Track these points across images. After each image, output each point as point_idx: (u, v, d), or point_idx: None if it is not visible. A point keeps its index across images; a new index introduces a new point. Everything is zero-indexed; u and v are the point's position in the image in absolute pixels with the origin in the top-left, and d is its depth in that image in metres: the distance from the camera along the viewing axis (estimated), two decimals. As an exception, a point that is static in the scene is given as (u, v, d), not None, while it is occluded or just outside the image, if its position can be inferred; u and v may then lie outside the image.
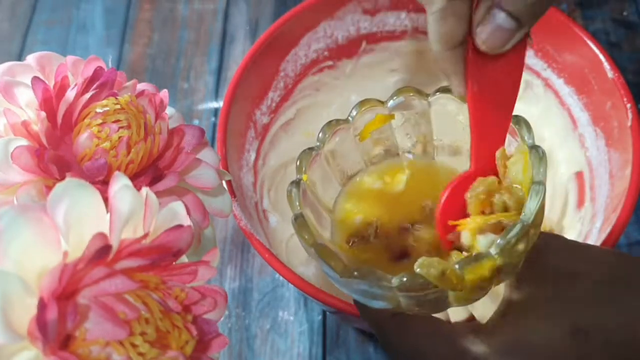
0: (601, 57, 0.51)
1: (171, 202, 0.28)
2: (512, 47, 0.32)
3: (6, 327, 0.22)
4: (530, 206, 0.31)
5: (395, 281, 0.30)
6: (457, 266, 0.29)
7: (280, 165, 0.59)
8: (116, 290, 0.24)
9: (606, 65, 0.51)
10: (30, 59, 0.34)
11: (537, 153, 0.33)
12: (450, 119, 0.38)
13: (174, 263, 0.27)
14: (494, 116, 0.34)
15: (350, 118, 0.38)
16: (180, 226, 0.27)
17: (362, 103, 0.38)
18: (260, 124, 0.58)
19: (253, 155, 0.57)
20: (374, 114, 0.38)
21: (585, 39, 0.52)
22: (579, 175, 0.55)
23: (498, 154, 0.34)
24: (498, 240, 0.30)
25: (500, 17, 0.31)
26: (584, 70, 0.53)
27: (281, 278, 0.53)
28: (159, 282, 0.26)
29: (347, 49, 0.61)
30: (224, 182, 0.37)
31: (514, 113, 0.35)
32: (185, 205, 0.28)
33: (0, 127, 0.32)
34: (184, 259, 0.28)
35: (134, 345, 0.24)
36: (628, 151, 0.48)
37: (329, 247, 0.33)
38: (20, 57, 0.73)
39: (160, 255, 0.26)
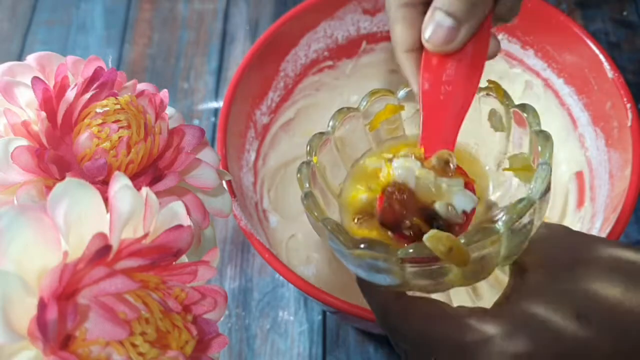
0: (601, 57, 0.51)
1: (171, 202, 0.28)
2: (461, 45, 0.34)
3: (6, 327, 0.22)
4: (537, 184, 0.32)
5: (401, 252, 0.30)
6: (463, 240, 0.30)
7: (280, 165, 0.60)
8: (116, 290, 0.24)
9: (606, 65, 0.51)
10: (30, 59, 0.34)
11: (544, 136, 0.33)
12: None
13: (174, 263, 0.27)
14: (445, 115, 0.35)
15: (360, 107, 0.38)
16: (180, 226, 0.27)
17: (373, 92, 0.38)
18: (260, 124, 0.58)
19: (253, 155, 0.57)
20: (384, 104, 0.39)
21: (585, 39, 0.52)
22: (579, 175, 0.55)
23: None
24: (503, 216, 0.31)
25: (439, 16, 0.33)
26: (584, 70, 0.53)
27: (281, 278, 0.53)
28: (159, 282, 0.26)
29: (347, 49, 0.61)
30: (224, 182, 0.37)
31: (523, 102, 0.36)
32: (185, 205, 0.28)
33: (0, 127, 0.32)
34: (184, 259, 0.28)
35: (134, 345, 0.24)
36: (628, 151, 0.48)
37: (336, 221, 0.33)
38: (20, 57, 0.73)
39: (160, 255, 0.26)
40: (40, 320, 0.22)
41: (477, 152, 0.39)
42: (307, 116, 0.62)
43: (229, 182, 0.48)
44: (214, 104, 0.69)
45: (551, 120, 0.57)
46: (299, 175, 0.36)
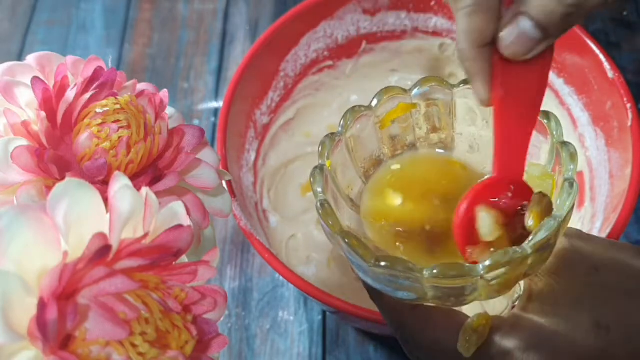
0: (601, 57, 0.51)
1: (171, 202, 0.28)
2: (538, 55, 0.31)
3: (6, 327, 0.22)
4: (563, 203, 0.31)
5: (427, 273, 0.30)
6: (489, 263, 0.29)
7: (280, 165, 0.60)
8: (116, 290, 0.24)
9: (606, 65, 0.51)
10: (30, 59, 0.34)
11: (567, 150, 0.33)
12: (473, 112, 0.38)
13: (174, 263, 0.27)
14: (518, 122, 0.33)
15: (372, 105, 0.37)
16: (180, 226, 0.27)
17: (385, 91, 0.37)
18: (260, 124, 0.58)
19: (253, 155, 0.57)
20: (396, 103, 0.38)
21: (585, 39, 0.52)
22: (579, 175, 0.55)
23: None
24: (531, 238, 0.30)
25: (526, 25, 0.30)
26: (584, 70, 0.53)
27: (281, 278, 0.53)
28: (159, 282, 0.26)
29: (347, 49, 0.61)
30: (224, 182, 0.37)
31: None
32: (185, 205, 0.28)
33: (0, 127, 0.32)
34: (184, 259, 0.28)
35: (134, 345, 0.24)
36: (628, 151, 0.48)
37: (356, 235, 0.32)
38: (20, 57, 0.73)
39: (160, 255, 0.26)
40: (40, 320, 0.22)
41: (472, 157, 0.39)
42: (307, 116, 0.62)
43: (229, 182, 0.48)
44: (214, 104, 0.69)
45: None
46: (312, 180, 0.34)
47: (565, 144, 0.33)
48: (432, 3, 0.59)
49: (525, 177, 0.34)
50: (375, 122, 0.38)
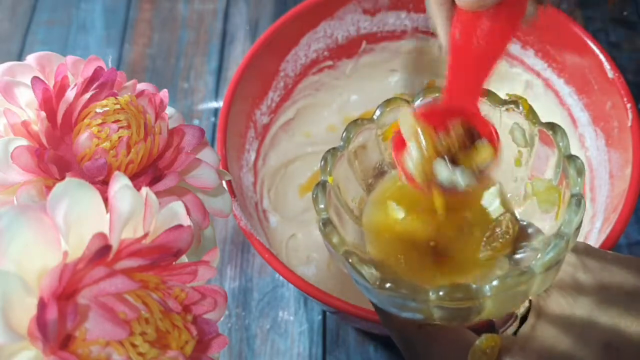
0: (601, 57, 0.51)
1: (171, 202, 0.28)
2: (491, 5, 0.33)
3: (6, 327, 0.22)
4: (571, 220, 0.30)
5: (432, 295, 0.29)
6: (496, 283, 0.29)
7: (280, 165, 0.60)
8: (116, 290, 0.24)
9: (606, 65, 0.51)
10: (30, 59, 0.34)
11: (574, 164, 0.32)
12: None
13: (174, 263, 0.27)
14: (472, 65, 0.35)
15: (374, 117, 0.37)
16: (180, 226, 0.27)
17: (388, 102, 0.37)
18: (260, 124, 0.58)
19: (253, 155, 0.57)
20: (398, 113, 0.37)
21: (585, 39, 0.52)
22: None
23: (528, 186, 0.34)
24: (539, 256, 0.29)
25: None
26: (584, 70, 0.53)
27: (281, 278, 0.53)
28: (159, 282, 0.26)
29: (347, 49, 0.61)
30: (224, 182, 0.37)
31: (550, 121, 0.34)
32: (185, 205, 0.28)
33: (0, 127, 0.32)
34: (184, 259, 0.28)
35: (134, 345, 0.24)
36: (628, 151, 0.48)
37: (359, 254, 0.31)
38: (20, 57, 0.73)
39: (160, 255, 0.26)
40: (40, 320, 0.22)
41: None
42: (307, 116, 0.62)
43: (229, 182, 0.48)
44: (214, 104, 0.69)
45: (551, 121, 0.57)
46: (314, 196, 0.34)
47: (572, 157, 0.32)
48: (432, 3, 0.59)
49: (530, 191, 0.34)
50: (378, 134, 0.37)
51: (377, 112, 0.37)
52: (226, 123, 0.51)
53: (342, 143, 0.36)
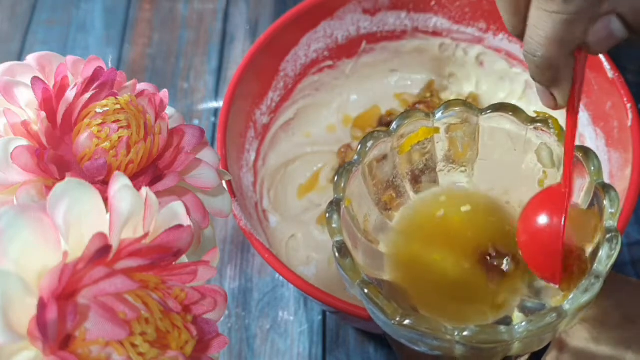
0: (601, 57, 0.51)
1: (171, 202, 0.28)
2: None
3: (6, 327, 0.22)
4: (606, 259, 0.29)
5: (457, 335, 0.28)
6: (523, 329, 0.28)
7: (280, 165, 0.60)
8: (116, 290, 0.24)
9: (606, 65, 0.51)
10: (30, 59, 0.34)
11: (608, 195, 0.30)
12: (502, 139, 0.35)
13: (174, 263, 0.27)
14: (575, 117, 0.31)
15: (391, 129, 0.35)
16: (180, 226, 0.27)
17: (407, 115, 0.35)
18: (260, 124, 0.58)
19: (253, 155, 0.57)
20: (417, 127, 0.35)
21: (585, 39, 0.52)
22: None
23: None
24: (572, 296, 0.28)
25: (616, 24, 0.28)
26: (584, 70, 0.53)
27: (281, 278, 0.53)
28: (159, 282, 0.26)
29: (347, 49, 0.61)
30: (224, 182, 0.37)
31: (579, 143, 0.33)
32: (185, 205, 0.28)
33: (0, 127, 0.32)
34: (184, 259, 0.28)
35: (134, 345, 0.24)
36: (628, 151, 0.48)
37: (377, 286, 0.30)
38: (20, 57, 0.73)
39: (160, 255, 0.26)
40: (40, 320, 0.22)
41: (509, 201, 0.36)
42: (307, 116, 0.62)
43: (229, 182, 0.48)
44: (214, 104, 0.69)
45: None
46: (327, 216, 0.32)
47: (606, 186, 0.30)
48: (432, 3, 0.59)
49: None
50: (395, 147, 0.35)
51: (394, 125, 0.35)
52: (226, 123, 0.51)
53: (357, 157, 0.34)
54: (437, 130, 0.35)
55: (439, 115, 0.35)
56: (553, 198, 0.31)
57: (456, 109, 0.35)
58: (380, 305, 0.29)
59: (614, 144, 0.51)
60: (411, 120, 0.35)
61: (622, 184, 0.47)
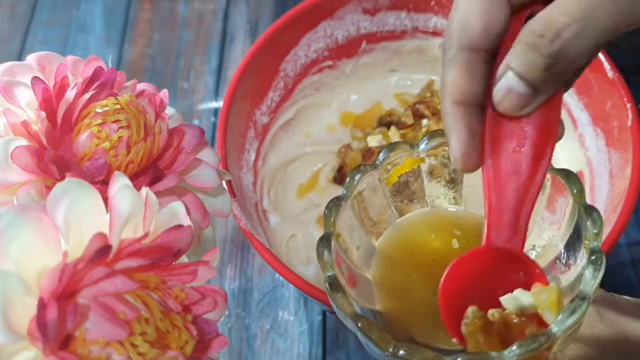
0: (601, 57, 0.51)
1: (171, 202, 0.28)
2: (535, 110, 0.29)
3: (6, 327, 0.22)
4: (592, 279, 0.28)
5: None
6: (516, 348, 0.28)
7: (280, 165, 0.60)
8: (116, 290, 0.24)
9: (606, 65, 0.51)
10: (30, 59, 0.34)
11: (591, 216, 0.30)
12: None
13: (174, 263, 0.27)
14: (516, 187, 0.30)
15: (377, 162, 0.35)
16: (180, 226, 0.27)
17: (392, 148, 0.35)
18: (260, 124, 0.58)
19: (253, 155, 0.57)
20: (403, 158, 0.36)
21: (585, 39, 0.52)
22: (579, 175, 0.55)
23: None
24: (560, 318, 0.28)
25: (513, 80, 0.28)
26: (584, 70, 0.53)
27: (281, 278, 0.53)
28: (159, 282, 0.26)
29: (347, 49, 0.61)
30: (224, 182, 0.37)
31: (564, 167, 0.32)
32: (185, 205, 0.28)
33: (0, 127, 0.32)
34: (184, 259, 0.28)
35: (134, 345, 0.24)
36: (628, 151, 0.48)
37: (369, 319, 0.30)
38: (20, 57, 0.73)
39: (160, 255, 0.26)
40: (40, 320, 0.22)
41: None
42: (307, 116, 0.62)
43: (229, 182, 0.48)
44: (214, 104, 0.69)
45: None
46: (318, 252, 0.32)
47: (588, 208, 0.30)
48: (432, 3, 0.59)
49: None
50: (382, 179, 0.36)
51: (380, 157, 0.35)
52: (226, 123, 0.51)
53: (344, 191, 0.34)
54: (422, 160, 0.36)
55: (422, 146, 0.35)
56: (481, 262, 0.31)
57: (439, 139, 0.35)
58: (373, 338, 0.29)
59: (614, 144, 0.51)
60: (396, 152, 0.35)
61: (622, 184, 0.47)
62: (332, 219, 0.33)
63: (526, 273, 0.30)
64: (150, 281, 0.26)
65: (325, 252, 0.32)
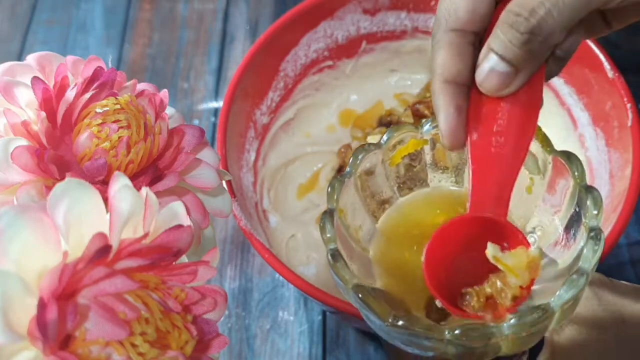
0: (601, 57, 0.51)
1: (171, 202, 0.28)
2: (517, 90, 0.31)
3: (6, 327, 0.22)
4: (590, 256, 0.29)
5: (448, 334, 0.28)
6: (513, 321, 0.28)
7: (280, 165, 0.60)
8: (116, 290, 0.24)
9: (606, 65, 0.51)
10: (30, 59, 0.34)
11: (592, 195, 0.30)
12: None
13: (174, 263, 0.27)
14: (499, 161, 0.31)
15: (381, 142, 0.36)
16: (180, 226, 0.27)
17: (396, 128, 0.36)
18: (260, 124, 0.58)
19: (253, 155, 0.57)
20: (407, 139, 0.36)
21: (585, 38, 0.52)
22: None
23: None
24: (558, 293, 0.28)
25: (494, 60, 0.30)
26: (584, 70, 0.53)
27: (281, 278, 0.53)
28: (159, 282, 0.26)
29: (347, 49, 0.61)
30: (224, 182, 0.37)
31: (565, 149, 0.33)
32: (185, 205, 0.28)
33: (0, 127, 0.32)
34: (184, 259, 0.28)
35: (134, 345, 0.24)
36: (628, 151, 0.48)
37: (370, 289, 0.30)
38: (20, 57, 0.73)
39: (160, 255, 0.26)
40: (40, 320, 0.22)
41: None
42: (307, 116, 0.62)
43: (229, 182, 0.48)
44: (214, 104, 0.69)
45: (551, 120, 0.57)
46: (321, 226, 0.33)
47: (589, 189, 0.31)
48: (432, 3, 0.59)
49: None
50: (386, 159, 0.37)
51: (385, 138, 0.36)
52: (226, 123, 0.51)
53: (348, 169, 0.35)
54: (426, 142, 0.37)
55: (426, 127, 0.36)
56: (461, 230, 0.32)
57: None
58: (373, 308, 0.30)
59: (614, 144, 0.51)
60: (400, 132, 0.36)
61: (622, 184, 0.47)
62: (335, 196, 0.34)
63: (510, 241, 0.31)
64: (150, 281, 0.26)
65: (328, 226, 0.33)
